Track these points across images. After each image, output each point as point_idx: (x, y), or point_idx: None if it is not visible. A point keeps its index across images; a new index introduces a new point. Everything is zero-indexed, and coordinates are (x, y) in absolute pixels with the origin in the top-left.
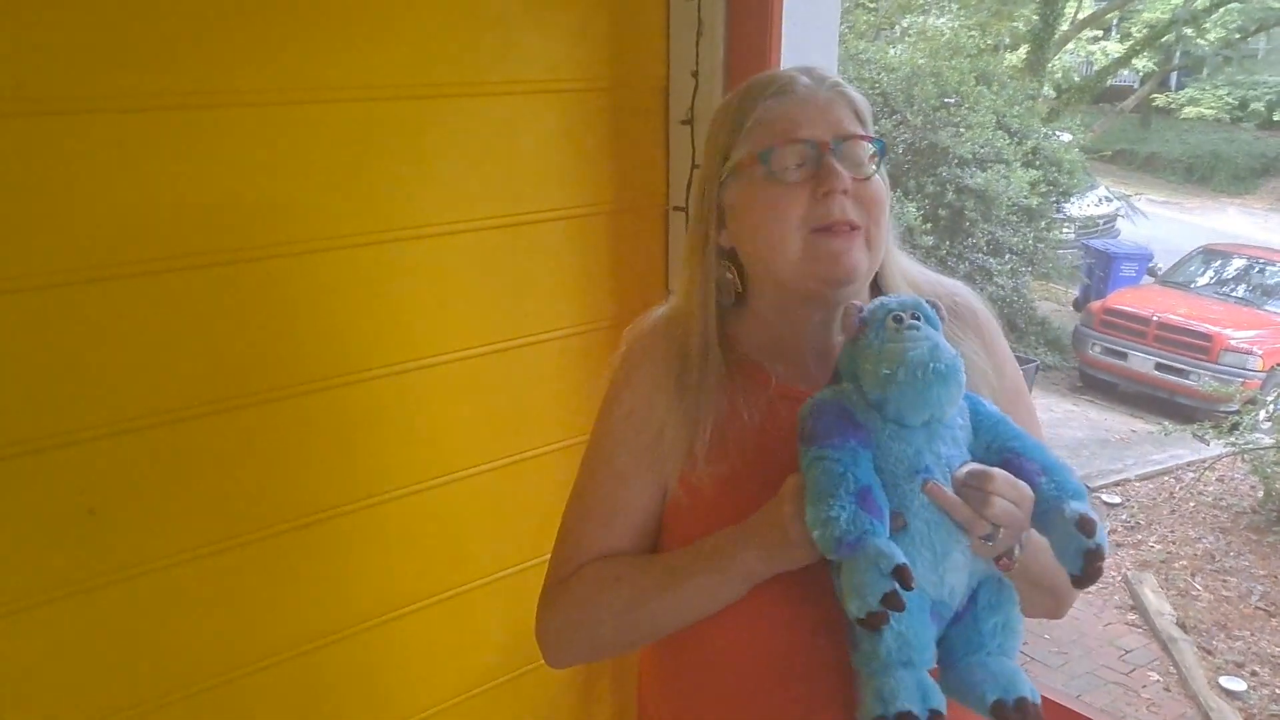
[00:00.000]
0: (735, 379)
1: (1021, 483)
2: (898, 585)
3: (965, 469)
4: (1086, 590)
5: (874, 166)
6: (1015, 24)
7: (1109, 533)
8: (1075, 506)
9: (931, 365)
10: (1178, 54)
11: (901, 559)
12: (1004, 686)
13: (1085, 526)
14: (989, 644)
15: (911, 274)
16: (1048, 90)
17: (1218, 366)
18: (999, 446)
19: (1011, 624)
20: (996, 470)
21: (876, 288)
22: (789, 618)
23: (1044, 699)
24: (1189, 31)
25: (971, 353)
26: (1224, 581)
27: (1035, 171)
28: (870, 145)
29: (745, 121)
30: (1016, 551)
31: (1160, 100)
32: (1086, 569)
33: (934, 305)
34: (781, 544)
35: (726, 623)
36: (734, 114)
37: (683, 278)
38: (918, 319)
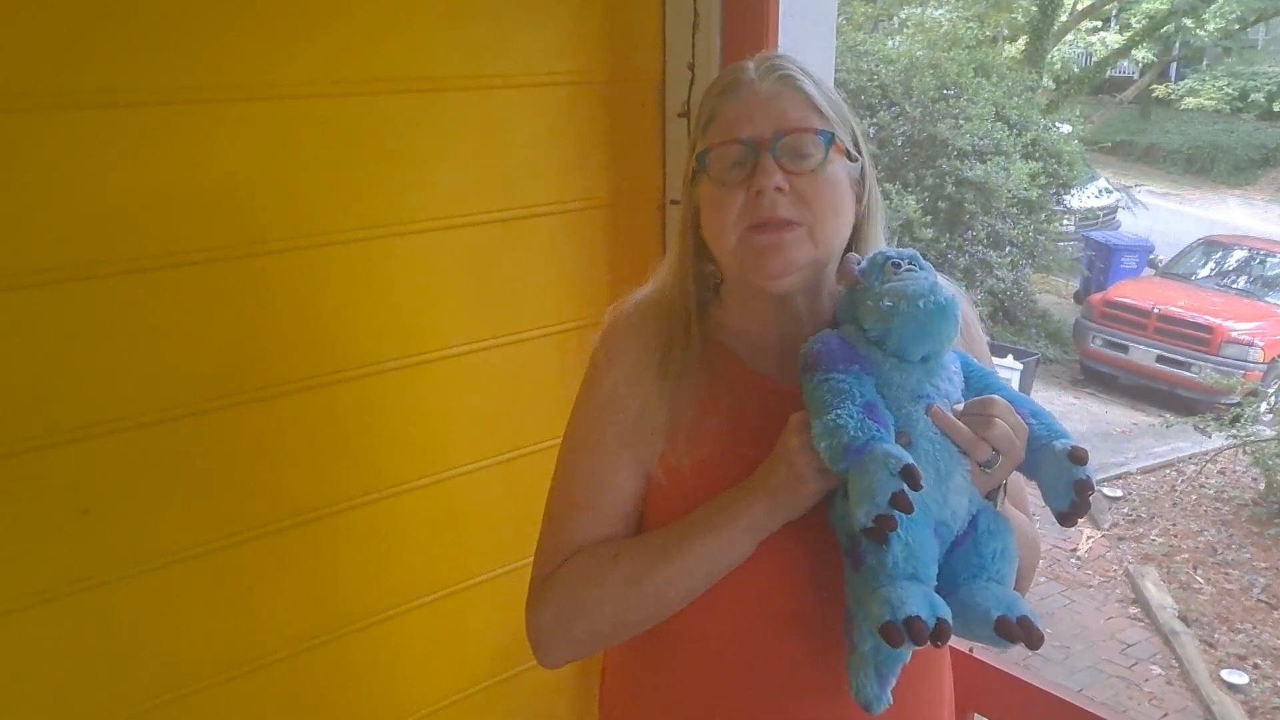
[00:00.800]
0: (713, 366)
1: (1017, 413)
2: (905, 486)
3: (970, 400)
4: (1073, 523)
5: (819, 160)
6: (1014, 15)
7: (1110, 526)
8: (1067, 441)
9: (932, 297)
10: (1177, 45)
11: (908, 458)
12: (1008, 605)
13: (1077, 456)
14: (990, 569)
15: None
16: (1047, 82)
17: (1219, 358)
18: (987, 394)
19: (1009, 552)
20: (998, 397)
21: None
22: (759, 608)
23: (1047, 694)
24: (1188, 22)
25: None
26: (1226, 574)
27: (1035, 163)
28: (817, 137)
29: (703, 119)
30: (1001, 495)
31: (1160, 91)
32: (1077, 500)
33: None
34: (788, 481)
35: (694, 616)
36: (699, 111)
37: (667, 267)
38: (914, 266)
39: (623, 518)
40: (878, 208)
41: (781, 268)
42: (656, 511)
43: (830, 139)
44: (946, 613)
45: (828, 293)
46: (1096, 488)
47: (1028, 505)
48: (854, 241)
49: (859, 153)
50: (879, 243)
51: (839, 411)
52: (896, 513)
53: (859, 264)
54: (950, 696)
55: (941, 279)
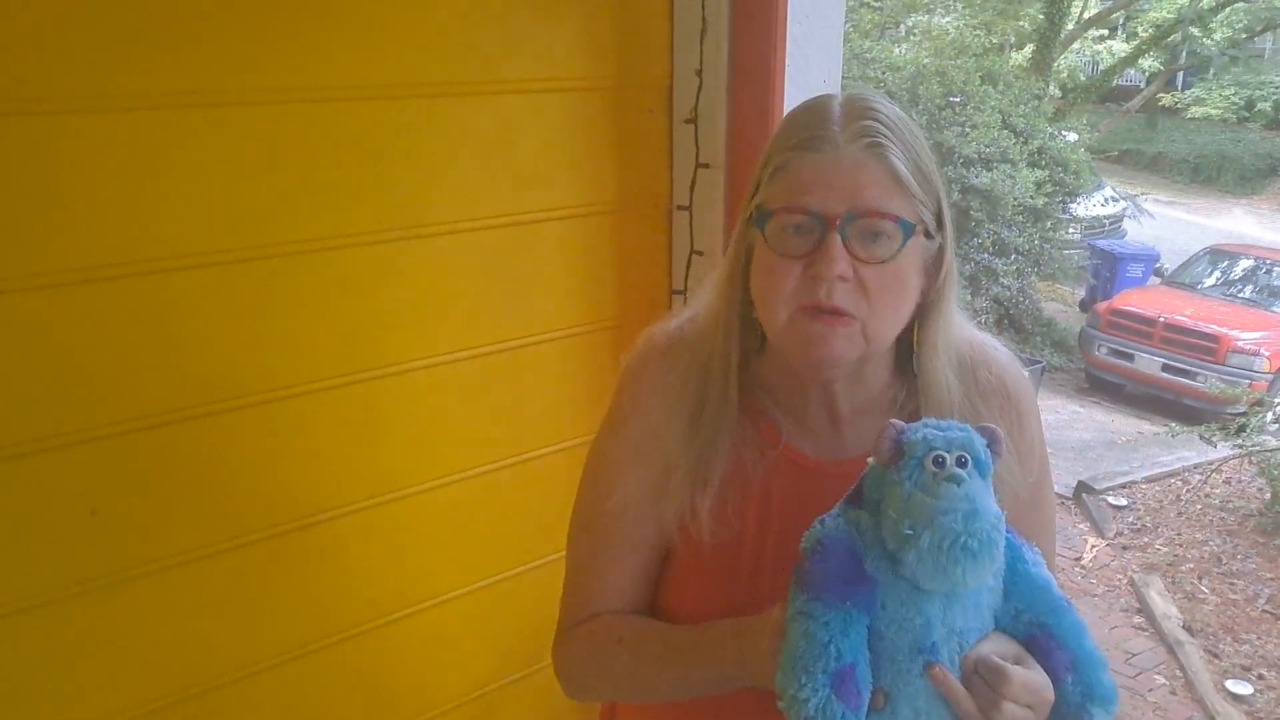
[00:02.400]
0: (745, 428)
1: (1040, 684)
2: None
3: (978, 655)
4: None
5: (893, 251)
6: (1021, 23)
7: (1115, 535)
8: None
9: (963, 540)
10: (1184, 54)
11: None
12: None
13: None
14: None
15: (957, 340)
16: (1053, 90)
17: (1225, 368)
18: (1029, 619)
19: None
20: (1015, 671)
21: (910, 357)
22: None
23: None
24: (1195, 31)
25: None
26: (1231, 584)
27: (1041, 171)
28: (896, 225)
29: (771, 166)
30: None
31: (1166, 100)
32: None
33: (991, 435)
34: (754, 672)
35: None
36: (767, 153)
37: (710, 305)
38: (964, 464)
39: (642, 576)
40: (951, 288)
41: (827, 362)
42: (675, 578)
43: (910, 229)
44: None
45: (874, 375)
46: None
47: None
48: (916, 321)
49: (940, 228)
50: (948, 326)
51: (804, 680)
52: None
53: (899, 435)
54: None
55: (1000, 355)
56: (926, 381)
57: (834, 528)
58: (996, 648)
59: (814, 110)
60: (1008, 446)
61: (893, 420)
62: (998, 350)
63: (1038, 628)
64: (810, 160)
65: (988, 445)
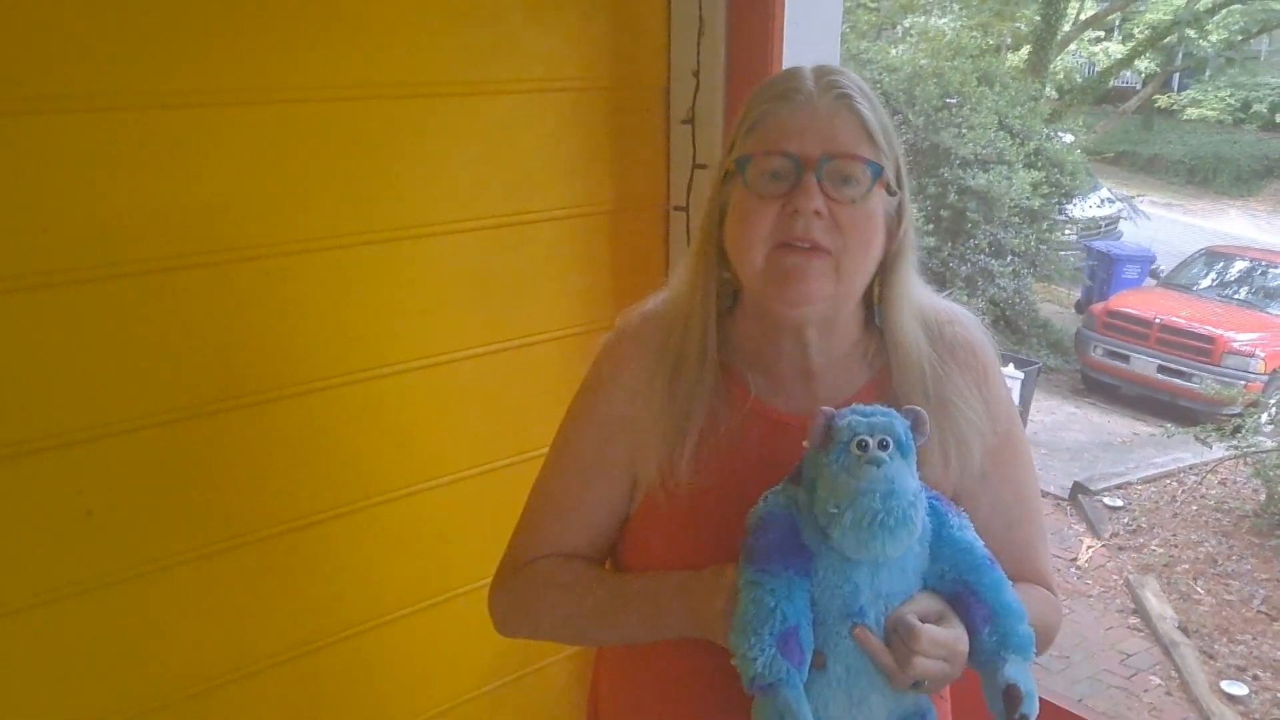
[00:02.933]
0: (719, 385)
1: (952, 638)
2: None
3: (897, 615)
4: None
5: (863, 191)
6: (1017, 24)
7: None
8: (1007, 672)
9: (879, 516)
10: (1180, 55)
11: (807, 718)
12: None
13: (1010, 698)
14: None
15: (920, 304)
16: (1050, 91)
17: (1220, 369)
18: (954, 577)
19: None
20: (924, 629)
21: (875, 314)
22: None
23: (1047, 703)
24: (1191, 33)
25: (962, 400)
26: (1226, 585)
27: (1037, 173)
28: (865, 168)
29: (750, 121)
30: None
31: (1162, 101)
32: None
33: (915, 417)
34: (706, 628)
35: (671, 642)
36: (744, 111)
37: (685, 271)
38: (885, 446)
39: (593, 529)
40: (910, 245)
41: (802, 295)
42: (650, 529)
43: (878, 171)
44: None
45: (844, 327)
46: None
47: (1046, 569)
48: (880, 277)
49: (899, 186)
50: (909, 282)
51: (753, 640)
52: None
53: (829, 421)
54: None
55: (961, 315)
56: (893, 335)
57: (775, 505)
58: (920, 607)
59: (786, 73)
60: (978, 399)
61: (823, 407)
62: (961, 311)
63: (961, 585)
64: (786, 110)
65: (911, 427)
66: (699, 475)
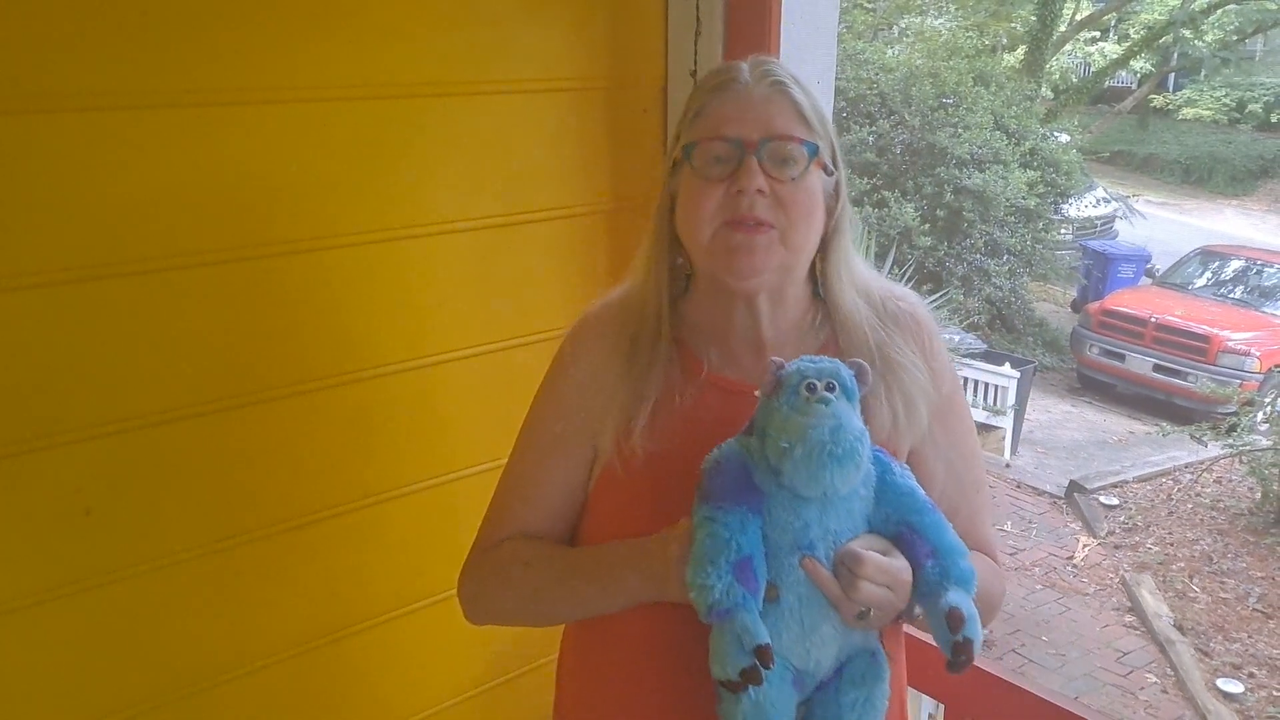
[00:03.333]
0: (675, 361)
1: (897, 566)
2: (757, 662)
3: (842, 548)
4: (1085, 590)
5: (801, 169)
6: (1013, 25)
7: (1107, 534)
8: (950, 598)
9: (829, 448)
10: (1175, 55)
11: (764, 639)
12: None
13: (953, 620)
14: (846, 716)
15: (861, 280)
16: (1045, 91)
17: (1215, 368)
18: (897, 519)
19: (873, 700)
20: (869, 555)
21: (819, 287)
22: (679, 615)
23: (1043, 700)
24: (1186, 33)
25: (908, 361)
26: (1221, 583)
27: (1033, 172)
28: (802, 148)
29: (692, 112)
30: (915, 613)
31: (1158, 101)
32: (954, 659)
33: (858, 368)
34: (663, 581)
35: (630, 613)
36: (687, 104)
37: (641, 259)
38: (832, 389)
39: (557, 507)
40: (848, 223)
41: (751, 269)
42: (607, 498)
43: (814, 150)
44: None
45: (793, 298)
46: (974, 647)
47: (990, 540)
48: (821, 253)
49: (835, 167)
50: (849, 256)
51: (710, 570)
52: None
53: (778, 370)
54: None
55: (902, 291)
56: (836, 303)
57: (728, 450)
58: (865, 543)
59: (724, 66)
60: (921, 361)
61: (773, 358)
62: (904, 289)
63: (904, 526)
64: (726, 99)
65: (855, 376)
66: (655, 442)
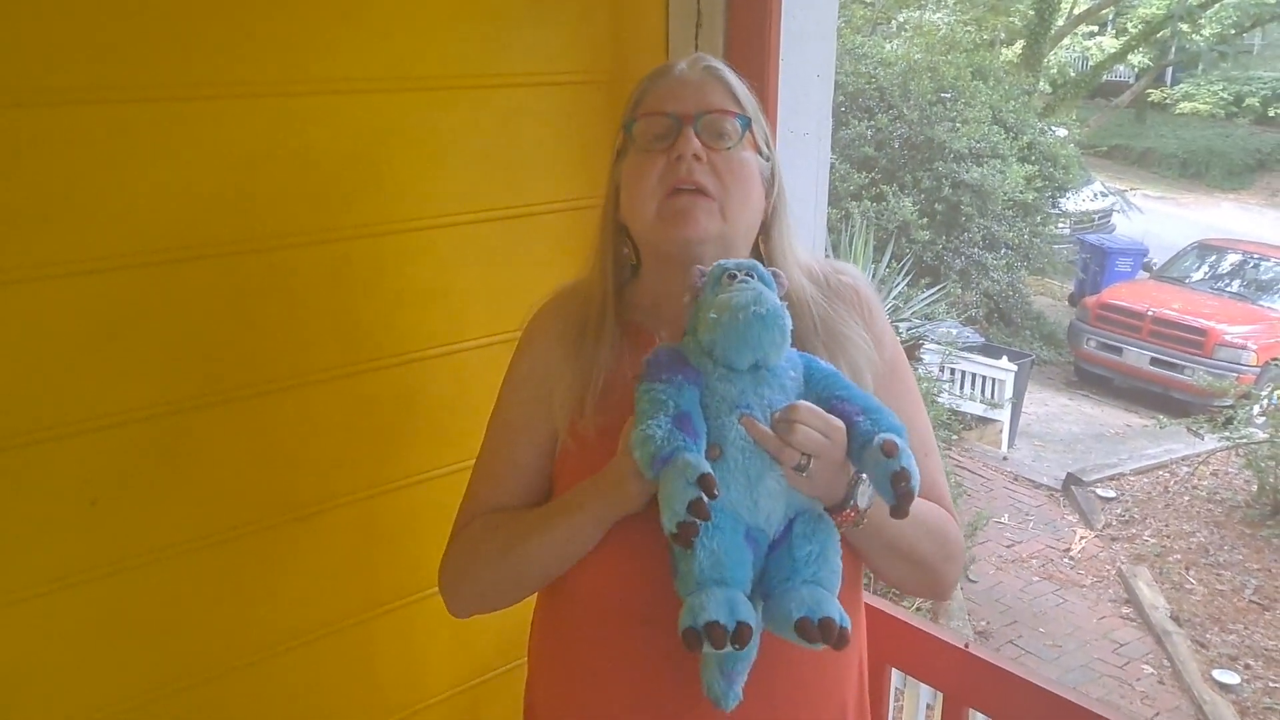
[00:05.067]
0: (625, 340)
1: (829, 416)
2: (703, 494)
3: (778, 409)
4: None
5: (735, 140)
6: (1011, 19)
7: (1104, 526)
8: (883, 435)
9: (752, 309)
10: (1173, 49)
11: (706, 468)
12: (811, 607)
13: (887, 448)
14: (802, 571)
15: (804, 261)
16: (1043, 85)
17: (1212, 361)
18: (827, 396)
19: (827, 555)
20: (802, 403)
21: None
22: (638, 570)
23: (1040, 688)
24: (1184, 27)
25: (851, 331)
26: (1218, 575)
27: (1031, 166)
28: (735, 121)
29: (634, 100)
30: (862, 502)
31: (1156, 95)
32: (894, 492)
33: (774, 274)
34: (617, 480)
35: (587, 571)
36: (630, 95)
37: (591, 248)
38: (751, 277)
39: (523, 488)
40: (786, 209)
41: (693, 231)
42: (566, 472)
43: (747, 123)
44: (749, 616)
45: None
46: (911, 478)
47: (945, 497)
48: (763, 235)
49: (769, 152)
50: (790, 236)
51: (650, 423)
52: (699, 521)
53: (702, 276)
54: (840, 692)
55: (843, 265)
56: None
57: (662, 346)
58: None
59: (664, 63)
60: (864, 331)
61: (695, 266)
62: (847, 265)
63: (834, 399)
64: (664, 83)
65: (773, 279)
66: (609, 417)
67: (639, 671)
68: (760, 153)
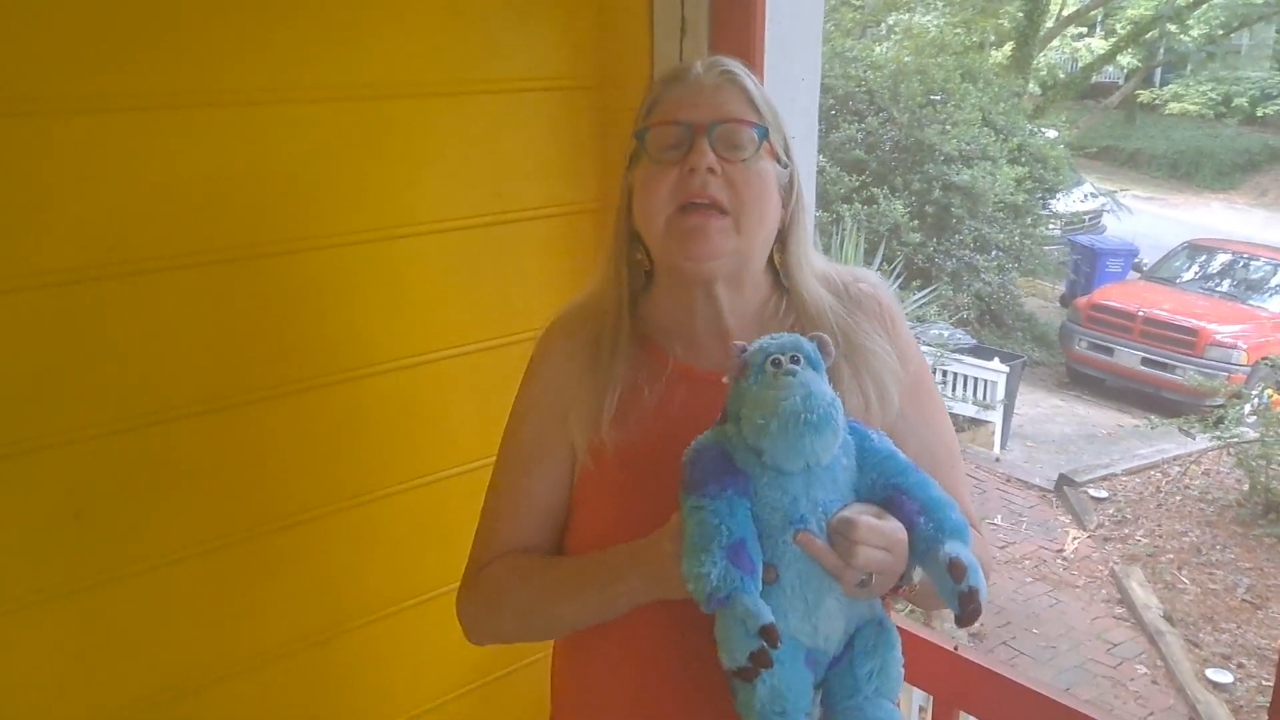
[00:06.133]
0: (640, 357)
1: (890, 527)
2: (764, 644)
3: (834, 517)
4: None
5: (751, 151)
6: (1000, 21)
7: (1096, 527)
8: (949, 550)
9: (804, 416)
10: (1162, 50)
11: (768, 618)
12: None
13: (955, 571)
14: (864, 688)
15: (821, 270)
16: (1033, 87)
17: (1203, 361)
18: (883, 484)
19: (888, 668)
20: (862, 519)
21: (781, 276)
22: (681, 606)
23: (1034, 692)
24: (1173, 28)
25: (872, 343)
26: (1210, 574)
27: (1021, 168)
28: (752, 131)
29: (647, 104)
30: (914, 578)
31: (1145, 96)
32: (962, 610)
33: (819, 340)
34: (662, 579)
35: (626, 617)
36: (644, 98)
37: (602, 259)
38: (797, 361)
39: (542, 519)
40: (805, 216)
41: (705, 252)
42: (586, 499)
43: (764, 134)
44: None
45: (752, 286)
46: (980, 594)
47: (968, 504)
48: (780, 245)
49: (788, 160)
50: (807, 246)
51: (704, 558)
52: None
53: (742, 352)
54: None
55: (863, 272)
56: (798, 292)
57: (705, 440)
58: (855, 510)
59: (679, 65)
60: (887, 343)
61: (734, 341)
62: (866, 271)
63: (891, 489)
64: (678, 89)
65: (818, 349)
66: (626, 435)
67: (679, 711)
68: (779, 161)
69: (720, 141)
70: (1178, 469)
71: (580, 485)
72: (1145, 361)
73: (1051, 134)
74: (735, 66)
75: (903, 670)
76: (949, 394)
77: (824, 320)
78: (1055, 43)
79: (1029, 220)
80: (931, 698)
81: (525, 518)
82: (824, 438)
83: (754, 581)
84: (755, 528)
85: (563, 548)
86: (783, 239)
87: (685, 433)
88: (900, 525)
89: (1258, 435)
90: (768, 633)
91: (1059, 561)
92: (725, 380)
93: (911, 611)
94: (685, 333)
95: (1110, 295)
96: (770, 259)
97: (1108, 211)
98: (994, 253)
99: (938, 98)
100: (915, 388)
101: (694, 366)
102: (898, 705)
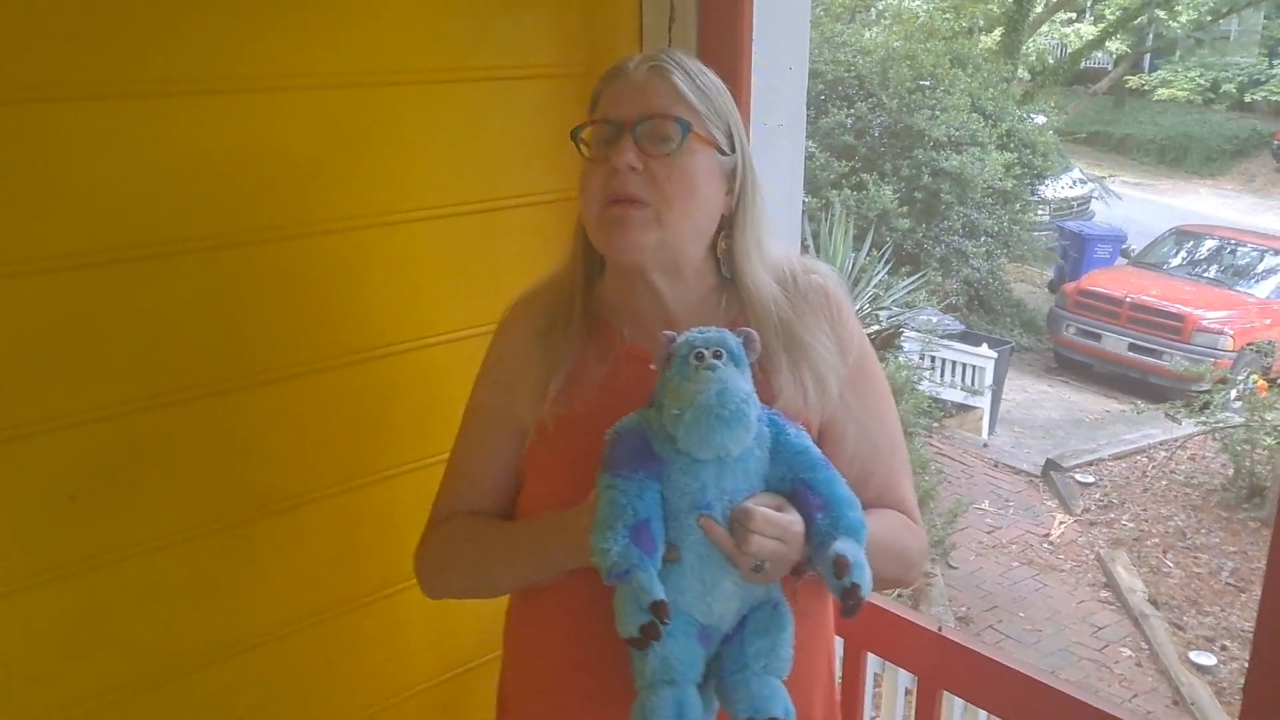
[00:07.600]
0: (592, 336)
1: (787, 520)
2: (655, 618)
3: (736, 507)
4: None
5: (676, 145)
6: (990, 6)
7: (1082, 511)
8: (838, 547)
9: (717, 410)
10: (1150, 36)
11: (659, 595)
12: (756, 705)
13: (839, 567)
14: (752, 665)
15: (773, 260)
16: (1022, 73)
17: (1190, 346)
18: (792, 477)
19: (778, 648)
20: (759, 510)
21: (722, 266)
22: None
23: (1013, 671)
24: (1161, 14)
25: (813, 338)
26: (1195, 558)
27: (1010, 154)
28: (675, 125)
29: (591, 103)
30: (813, 567)
31: (1133, 82)
32: (843, 603)
33: (746, 336)
34: (577, 550)
35: (566, 579)
36: (590, 96)
37: (568, 244)
38: (719, 356)
39: (494, 484)
40: (755, 205)
41: (627, 244)
42: (531, 466)
43: (687, 128)
44: (696, 717)
45: (693, 274)
46: (861, 590)
47: (908, 499)
48: (727, 233)
49: (731, 148)
50: (758, 237)
51: (608, 535)
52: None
53: (670, 343)
54: (808, 687)
55: (813, 264)
56: (743, 283)
57: (628, 422)
58: (759, 500)
59: (618, 61)
60: (829, 334)
61: (665, 332)
62: (818, 263)
63: (798, 483)
64: (614, 86)
65: (743, 344)
66: (571, 408)
67: (606, 665)
68: (720, 150)
69: (645, 136)
70: (1163, 454)
71: (529, 453)
72: (1132, 347)
73: (1040, 120)
74: (667, 61)
75: (792, 651)
76: (937, 379)
77: (766, 312)
78: (1044, 28)
79: (1018, 206)
80: (916, 678)
81: (479, 480)
82: (734, 432)
83: (653, 561)
84: (663, 510)
85: (515, 512)
86: (729, 227)
87: (627, 409)
88: (798, 519)
89: (1243, 420)
90: (658, 609)
91: (1045, 546)
92: (653, 368)
93: (899, 595)
94: (633, 316)
95: (1098, 281)
96: (713, 249)
97: (1096, 197)
98: (983, 238)
99: (927, 83)
100: (856, 376)
101: (641, 347)
102: (784, 684)
